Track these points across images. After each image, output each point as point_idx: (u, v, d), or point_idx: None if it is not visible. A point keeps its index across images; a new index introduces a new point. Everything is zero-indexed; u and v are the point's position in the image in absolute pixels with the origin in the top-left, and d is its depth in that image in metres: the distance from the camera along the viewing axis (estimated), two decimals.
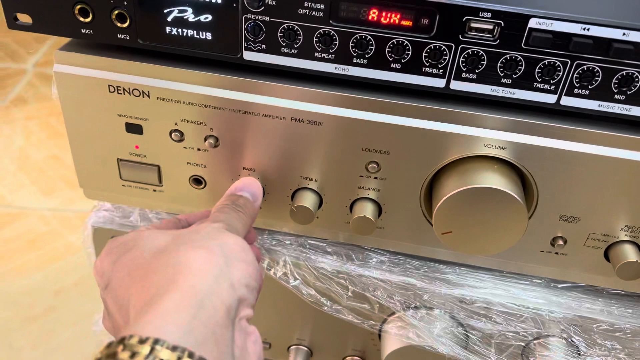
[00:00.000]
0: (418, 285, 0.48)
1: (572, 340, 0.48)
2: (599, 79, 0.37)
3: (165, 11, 0.38)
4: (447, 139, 0.40)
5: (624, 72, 0.36)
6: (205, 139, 0.43)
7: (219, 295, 0.30)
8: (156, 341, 0.26)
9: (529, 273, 0.48)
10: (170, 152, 0.44)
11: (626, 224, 0.42)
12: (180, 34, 0.39)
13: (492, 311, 0.48)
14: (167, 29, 0.39)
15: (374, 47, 0.38)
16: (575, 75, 0.37)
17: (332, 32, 0.37)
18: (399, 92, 0.40)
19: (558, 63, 0.36)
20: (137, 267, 0.32)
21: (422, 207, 0.44)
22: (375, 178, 0.43)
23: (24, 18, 0.40)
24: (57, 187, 1.30)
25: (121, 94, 0.42)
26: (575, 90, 0.37)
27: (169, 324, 0.27)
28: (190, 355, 0.27)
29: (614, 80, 0.36)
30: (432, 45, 0.37)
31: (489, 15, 0.35)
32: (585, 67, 0.36)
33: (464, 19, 0.35)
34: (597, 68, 0.36)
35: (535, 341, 0.48)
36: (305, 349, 0.57)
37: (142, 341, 0.26)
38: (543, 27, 0.35)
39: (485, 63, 0.37)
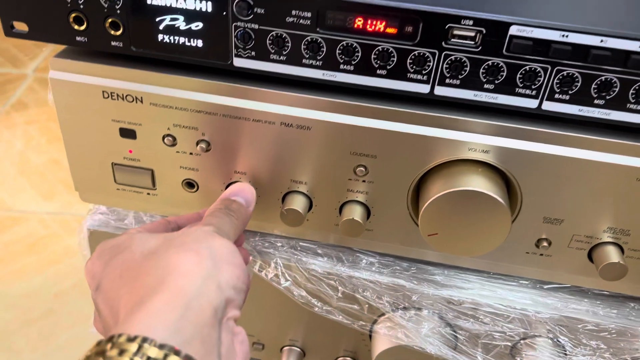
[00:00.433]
0: (407, 287, 0.49)
1: (558, 340, 0.49)
2: (579, 84, 0.38)
3: (157, 19, 0.39)
4: (433, 143, 0.41)
5: (603, 78, 0.37)
6: (197, 144, 0.44)
7: (206, 296, 0.31)
8: (144, 339, 0.27)
9: (515, 274, 0.49)
10: (163, 156, 0.45)
11: (609, 226, 0.43)
12: (172, 41, 0.40)
13: (479, 312, 0.48)
14: (160, 37, 0.40)
15: (360, 54, 0.39)
16: (555, 80, 0.38)
17: (320, 39, 0.38)
18: (385, 97, 0.41)
19: (539, 69, 0.37)
20: (128, 269, 0.33)
21: (409, 210, 0.45)
22: (364, 181, 0.44)
23: (20, 26, 0.41)
24: (57, 191, 1.31)
25: (115, 99, 0.43)
26: (556, 95, 0.38)
27: (157, 323, 0.28)
28: (177, 353, 0.27)
29: (593, 86, 0.37)
30: (416, 52, 0.38)
31: (471, 22, 0.36)
32: (565, 72, 0.37)
33: (446, 27, 0.37)
34: (577, 74, 0.37)
35: (522, 341, 0.49)
36: (298, 349, 0.58)
37: (130, 339, 0.27)
38: (523, 34, 0.36)
39: (468, 69, 0.38)
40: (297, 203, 0.45)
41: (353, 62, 0.39)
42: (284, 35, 0.38)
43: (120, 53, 0.41)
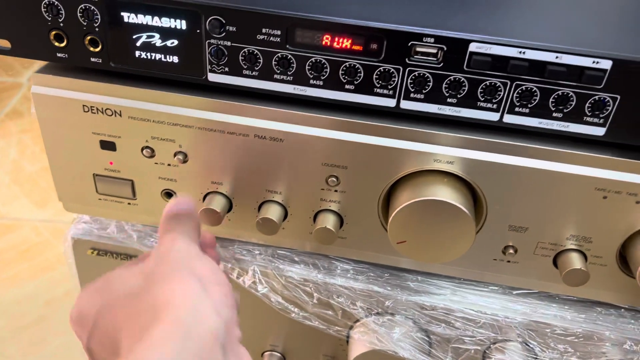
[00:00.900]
0: (381, 292, 0.50)
1: (528, 345, 0.50)
2: (537, 98, 0.39)
3: (134, 37, 0.41)
4: (400, 154, 0.42)
5: (560, 92, 0.39)
6: (175, 155, 0.46)
7: (203, 322, 0.30)
8: None
9: (486, 281, 0.51)
10: (142, 167, 0.47)
11: (571, 234, 0.44)
12: (149, 57, 0.42)
13: (451, 317, 0.50)
14: (137, 53, 0.42)
15: (328, 70, 0.40)
16: (515, 94, 0.39)
17: (289, 55, 0.40)
18: (354, 110, 0.42)
19: (499, 83, 0.39)
20: (118, 313, 0.32)
21: (380, 218, 0.46)
22: (336, 191, 0.46)
23: (3, 43, 0.43)
24: (50, 199, 1.33)
25: (95, 113, 0.44)
26: (517, 109, 0.40)
27: (158, 357, 0.28)
28: None
29: (551, 100, 0.39)
30: (381, 68, 0.39)
31: (432, 40, 0.38)
32: (524, 87, 0.39)
33: (409, 44, 0.38)
34: (535, 88, 0.39)
35: (492, 346, 0.51)
36: (279, 354, 0.60)
37: None
38: (482, 50, 0.38)
39: (431, 84, 0.40)
40: (272, 212, 0.46)
41: (322, 78, 0.41)
42: (256, 52, 0.40)
43: (100, 69, 0.43)
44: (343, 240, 0.49)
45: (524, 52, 0.38)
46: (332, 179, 0.45)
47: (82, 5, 0.40)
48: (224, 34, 0.40)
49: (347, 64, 0.40)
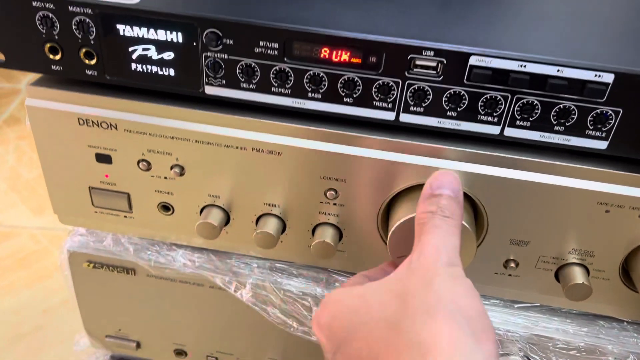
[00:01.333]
0: None
1: (529, 359, 0.49)
2: (539, 111, 0.39)
3: (130, 49, 0.40)
4: (399, 168, 0.42)
5: (561, 106, 0.38)
6: (172, 168, 0.45)
7: None
8: None
9: (487, 294, 0.50)
10: (138, 180, 0.46)
11: (573, 247, 0.44)
12: (145, 70, 0.41)
13: None
14: (133, 66, 0.41)
15: (327, 83, 0.40)
16: (516, 108, 0.39)
17: (287, 69, 0.39)
18: (353, 123, 0.42)
19: (499, 97, 0.39)
20: (375, 340, 0.31)
21: (380, 232, 0.46)
22: (335, 204, 0.45)
23: None
24: (48, 206, 1.31)
25: (90, 126, 0.44)
26: (517, 122, 0.40)
27: None
28: None
29: (552, 113, 0.39)
30: (380, 81, 0.39)
31: (432, 53, 0.37)
32: (525, 100, 0.38)
33: (408, 57, 0.38)
34: (536, 101, 0.38)
35: None
36: None
37: None
38: (483, 64, 0.37)
39: (431, 97, 0.39)
40: (270, 226, 0.46)
41: (320, 91, 0.40)
42: (253, 64, 0.40)
43: (95, 81, 0.42)
44: (342, 254, 0.48)
45: (524, 66, 0.37)
46: (330, 192, 0.44)
47: (77, 18, 0.39)
48: (220, 46, 0.39)
49: (345, 77, 0.39)
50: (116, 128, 0.44)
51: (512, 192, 0.42)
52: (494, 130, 0.40)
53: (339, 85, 0.40)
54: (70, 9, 0.39)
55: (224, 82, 0.41)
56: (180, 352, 0.60)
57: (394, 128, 0.41)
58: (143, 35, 0.40)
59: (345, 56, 0.38)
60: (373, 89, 0.39)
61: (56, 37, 0.40)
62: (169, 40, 0.40)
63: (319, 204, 0.45)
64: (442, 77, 0.38)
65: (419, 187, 0.43)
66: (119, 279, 0.55)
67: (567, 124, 0.39)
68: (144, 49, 0.40)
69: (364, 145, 0.42)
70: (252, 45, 0.39)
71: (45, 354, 1.02)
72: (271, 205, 0.46)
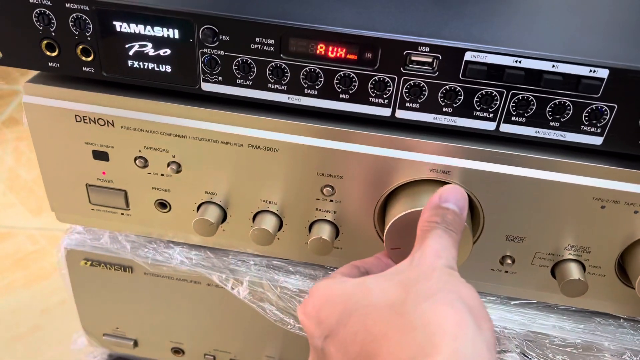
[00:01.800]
0: None
1: (526, 355, 0.49)
2: (534, 107, 0.39)
3: (126, 46, 0.41)
4: (395, 164, 0.42)
5: (557, 101, 0.38)
6: (168, 165, 0.45)
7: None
8: None
9: (484, 291, 0.50)
10: (135, 177, 0.46)
11: (570, 244, 0.44)
12: (142, 66, 0.41)
13: None
14: (129, 62, 0.41)
15: (323, 79, 0.40)
16: (511, 103, 0.39)
17: (283, 65, 0.40)
18: (349, 120, 0.42)
19: (495, 93, 0.39)
20: (374, 322, 0.31)
21: (376, 228, 0.46)
22: (331, 201, 0.45)
23: None
24: (46, 207, 1.31)
25: (87, 123, 0.44)
26: (513, 118, 0.40)
27: None
28: None
29: (547, 109, 0.39)
30: (376, 77, 0.39)
31: (427, 49, 0.38)
32: (520, 96, 0.38)
33: (404, 53, 0.38)
34: (531, 97, 0.38)
35: None
36: None
37: None
38: (478, 59, 0.37)
39: (426, 93, 0.39)
40: (267, 222, 0.46)
41: (317, 87, 0.40)
42: (249, 61, 0.40)
43: (92, 78, 0.42)
44: (339, 251, 0.48)
45: (520, 61, 0.37)
46: (327, 189, 0.44)
47: (74, 15, 0.39)
48: (217, 43, 0.39)
49: (341, 73, 0.39)
50: (113, 125, 0.44)
51: (507, 188, 0.42)
52: (490, 126, 0.40)
53: (335, 81, 0.40)
54: (67, 5, 0.39)
55: (220, 78, 0.41)
56: (177, 351, 0.60)
57: (390, 124, 0.42)
58: (140, 32, 0.40)
59: (341, 52, 0.39)
60: (369, 85, 0.40)
61: (53, 33, 0.40)
62: (166, 36, 0.40)
63: (315, 200, 0.45)
64: (437, 73, 0.38)
65: (416, 183, 0.43)
66: (116, 277, 0.55)
67: (562, 120, 0.39)
68: (140, 46, 0.40)
69: (360, 142, 0.42)
70: (248, 41, 0.39)
71: (43, 354, 1.02)
72: (268, 202, 0.46)
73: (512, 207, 0.43)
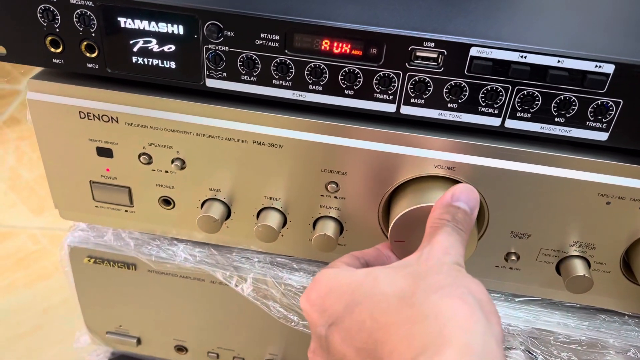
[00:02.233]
0: None
1: (531, 352, 0.49)
2: (539, 103, 0.39)
3: (131, 42, 0.40)
4: (400, 160, 0.42)
5: (562, 97, 0.38)
6: (172, 162, 0.45)
7: (491, 355, 0.28)
8: None
9: (488, 288, 0.50)
10: (139, 174, 0.46)
11: (575, 240, 0.44)
12: (146, 63, 0.41)
13: None
14: (134, 59, 0.41)
15: (327, 75, 0.40)
16: (516, 99, 0.39)
17: (288, 61, 0.39)
18: (353, 116, 0.42)
19: (500, 88, 0.39)
20: (382, 312, 0.31)
21: (381, 225, 0.46)
22: (336, 197, 0.45)
23: None
24: (47, 207, 1.32)
25: (91, 119, 0.44)
26: (518, 114, 0.40)
27: None
28: None
29: (553, 104, 0.39)
30: (381, 73, 0.39)
31: (433, 44, 0.37)
32: (525, 92, 0.38)
33: (409, 49, 0.38)
34: (537, 93, 0.38)
35: None
36: None
37: None
38: (483, 55, 0.37)
39: (431, 89, 0.39)
40: (271, 219, 0.46)
41: (321, 83, 0.40)
42: (254, 57, 0.40)
43: (96, 74, 0.42)
44: (343, 248, 0.48)
45: (525, 57, 0.37)
46: (331, 185, 0.44)
47: (78, 11, 0.39)
48: (221, 39, 0.39)
49: (346, 69, 0.39)
50: (117, 121, 0.44)
51: (512, 184, 0.42)
52: (495, 122, 0.40)
53: (339, 77, 0.40)
54: (72, 1, 0.39)
55: (224, 74, 0.41)
56: (180, 348, 0.60)
57: (395, 120, 0.41)
58: (144, 28, 0.40)
59: (345, 48, 0.38)
60: (374, 81, 0.39)
61: (57, 30, 0.40)
62: (170, 32, 0.40)
63: (319, 197, 0.45)
64: (442, 69, 0.38)
65: (420, 179, 0.43)
66: (119, 274, 0.55)
67: (567, 116, 0.39)
68: (145, 42, 0.40)
69: (364, 138, 0.42)
70: (253, 37, 0.39)
71: (45, 353, 1.02)
72: (272, 198, 0.46)
73: (517, 203, 0.43)
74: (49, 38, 0.41)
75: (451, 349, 0.27)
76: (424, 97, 0.40)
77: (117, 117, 0.44)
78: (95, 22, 0.40)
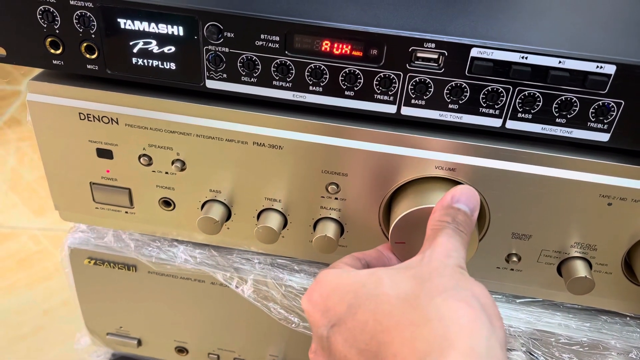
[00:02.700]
0: None
1: (532, 354, 0.49)
2: (540, 103, 0.39)
3: (131, 43, 0.40)
4: (400, 161, 0.42)
5: (563, 97, 0.38)
6: (173, 163, 0.45)
7: (495, 358, 0.28)
8: None
9: (489, 289, 0.49)
10: (139, 175, 0.46)
11: (576, 241, 0.44)
12: (146, 64, 0.41)
13: None
14: (134, 60, 0.41)
15: (328, 76, 0.40)
16: (517, 100, 0.39)
17: (288, 62, 0.39)
18: (354, 117, 0.42)
19: (501, 89, 0.38)
20: (386, 313, 0.31)
21: (381, 226, 0.46)
22: (336, 198, 0.45)
23: None
24: (48, 207, 1.32)
25: (91, 121, 0.44)
26: (519, 115, 0.39)
27: None
28: None
29: (554, 105, 0.39)
30: (382, 74, 0.39)
31: (433, 45, 0.37)
32: (526, 92, 0.38)
33: (410, 49, 0.38)
34: (538, 93, 0.38)
35: None
36: None
37: None
38: (484, 55, 0.37)
39: (432, 90, 0.39)
40: (272, 220, 0.46)
41: (322, 84, 0.40)
42: (254, 58, 0.40)
43: (96, 76, 0.42)
44: (344, 249, 0.48)
45: (526, 57, 0.37)
46: (332, 187, 0.44)
47: (78, 12, 0.39)
48: (221, 40, 0.39)
49: (346, 70, 0.39)
50: (117, 123, 0.44)
51: (514, 185, 0.42)
52: (496, 122, 0.40)
53: (340, 78, 0.40)
54: (71, 2, 0.39)
55: (225, 75, 0.41)
56: (181, 350, 0.60)
57: (396, 121, 0.41)
58: (144, 29, 0.40)
59: (346, 49, 0.38)
60: (374, 82, 0.39)
61: (57, 31, 0.40)
62: (170, 33, 0.40)
63: (320, 198, 0.45)
64: (443, 70, 0.38)
65: (421, 180, 0.43)
66: (120, 276, 0.55)
67: (568, 116, 0.39)
68: (144, 43, 0.40)
69: (365, 139, 0.42)
70: (253, 38, 0.39)
71: (46, 354, 1.02)
72: (272, 200, 0.46)
73: (518, 204, 0.42)
74: (49, 39, 0.41)
75: (455, 352, 0.27)
76: (425, 98, 0.39)
77: (117, 119, 0.43)
78: (95, 23, 0.39)
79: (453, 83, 0.38)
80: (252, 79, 0.41)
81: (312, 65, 0.39)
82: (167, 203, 0.48)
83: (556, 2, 0.45)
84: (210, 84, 0.41)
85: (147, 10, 0.38)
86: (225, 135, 0.43)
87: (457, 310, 0.29)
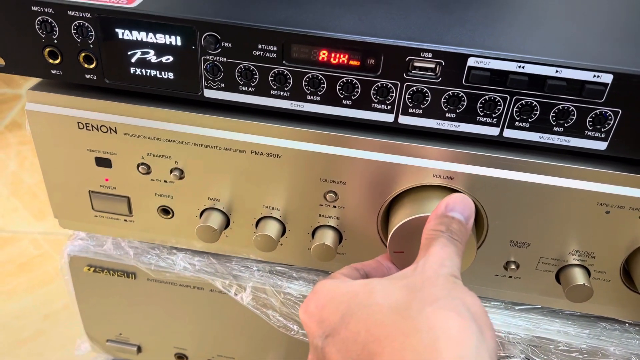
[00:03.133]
0: None
1: None
2: (538, 112, 0.39)
3: (129, 53, 0.40)
4: (398, 170, 0.42)
5: (560, 106, 0.38)
6: (171, 172, 0.45)
7: None
8: None
9: (488, 296, 0.50)
10: (138, 184, 0.46)
11: (574, 249, 0.44)
12: (144, 73, 0.41)
13: None
14: (132, 70, 0.41)
15: (325, 85, 0.40)
16: (515, 109, 0.39)
17: (286, 71, 0.39)
18: (352, 126, 0.42)
19: (498, 98, 0.38)
20: (377, 323, 0.31)
21: (380, 234, 0.46)
22: (334, 207, 0.45)
23: None
24: (49, 211, 1.32)
25: (90, 130, 0.44)
26: (517, 123, 0.39)
27: None
28: None
29: (551, 114, 0.39)
30: (379, 83, 0.39)
31: (430, 55, 0.37)
32: (523, 101, 0.38)
33: (407, 59, 0.38)
34: (535, 102, 0.38)
35: None
36: None
37: None
38: (481, 65, 0.37)
39: (429, 99, 0.39)
40: (270, 228, 0.46)
41: (319, 93, 0.40)
42: (252, 67, 0.40)
43: (95, 85, 0.42)
44: (342, 257, 0.48)
45: (523, 67, 0.37)
46: (330, 195, 0.44)
47: (76, 22, 0.39)
48: (219, 50, 0.39)
49: (344, 79, 0.39)
50: (116, 132, 0.44)
51: (511, 194, 0.42)
52: (493, 131, 0.40)
53: (337, 87, 0.40)
54: (69, 13, 0.39)
55: (222, 85, 0.41)
56: (181, 356, 0.60)
57: (393, 130, 0.41)
58: (142, 39, 0.40)
59: (343, 58, 0.38)
60: (372, 91, 0.39)
61: (55, 41, 0.40)
62: (168, 43, 0.40)
63: (318, 206, 0.45)
64: (440, 79, 0.38)
65: (419, 188, 0.43)
66: (119, 283, 0.55)
67: (566, 125, 0.39)
68: (142, 53, 0.40)
69: (363, 148, 0.42)
70: (250, 48, 0.39)
71: (47, 359, 1.02)
72: (271, 208, 0.46)
73: (516, 212, 0.42)
74: (47, 49, 0.41)
75: None
76: (422, 107, 0.40)
77: (115, 128, 0.44)
78: (93, 33, 0.40)
79: (450, 92, 0.39)
80: (250, 89, 0.41)
81: (309, 74, 0.39)
82: (165, 211, 0.48)
83: (553, 11, 0.45)
84: (208, 93, 0.41)
85: (145, 20, 0.39)
86: (223, 144, 0.43)
87: (447, 320, 0.29)
